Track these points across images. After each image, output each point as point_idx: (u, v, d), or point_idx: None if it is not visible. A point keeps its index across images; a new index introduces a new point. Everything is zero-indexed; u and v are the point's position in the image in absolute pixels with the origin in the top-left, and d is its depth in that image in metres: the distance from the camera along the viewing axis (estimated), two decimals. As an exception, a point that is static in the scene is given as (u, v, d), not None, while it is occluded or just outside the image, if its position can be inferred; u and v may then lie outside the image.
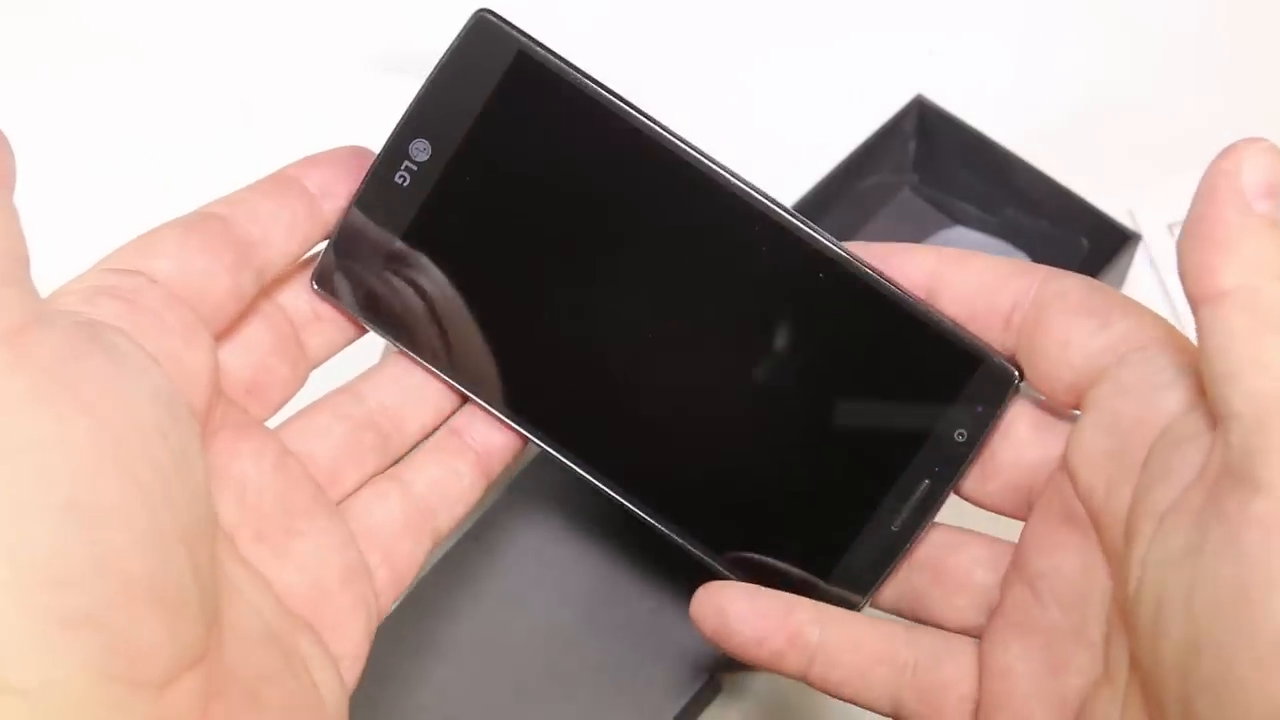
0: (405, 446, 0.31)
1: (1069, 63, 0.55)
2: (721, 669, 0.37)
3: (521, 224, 0.29)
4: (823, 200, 0.46)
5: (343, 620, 0.28)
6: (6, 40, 0.58)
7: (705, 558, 0.29)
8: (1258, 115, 0.53)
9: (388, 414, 0.31)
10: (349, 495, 0.30)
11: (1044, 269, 0.28)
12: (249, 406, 0.29)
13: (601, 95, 0.28)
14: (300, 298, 0.30)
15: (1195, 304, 0.24)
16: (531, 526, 0.38)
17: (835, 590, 0.29)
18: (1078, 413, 0.28)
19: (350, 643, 0.28)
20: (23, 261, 0.21)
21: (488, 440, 0.31)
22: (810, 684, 0.29)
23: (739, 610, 0.29)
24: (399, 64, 0.56)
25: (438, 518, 0.30)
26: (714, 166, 0.29)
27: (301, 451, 0.29)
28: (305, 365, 0.30)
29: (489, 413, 0.30)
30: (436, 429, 0.31)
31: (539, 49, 0.28)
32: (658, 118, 0.28)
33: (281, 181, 0.29)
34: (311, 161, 0.29)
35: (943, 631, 0.29)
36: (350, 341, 0.31)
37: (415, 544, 0.30)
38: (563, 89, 0.28)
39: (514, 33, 0.28)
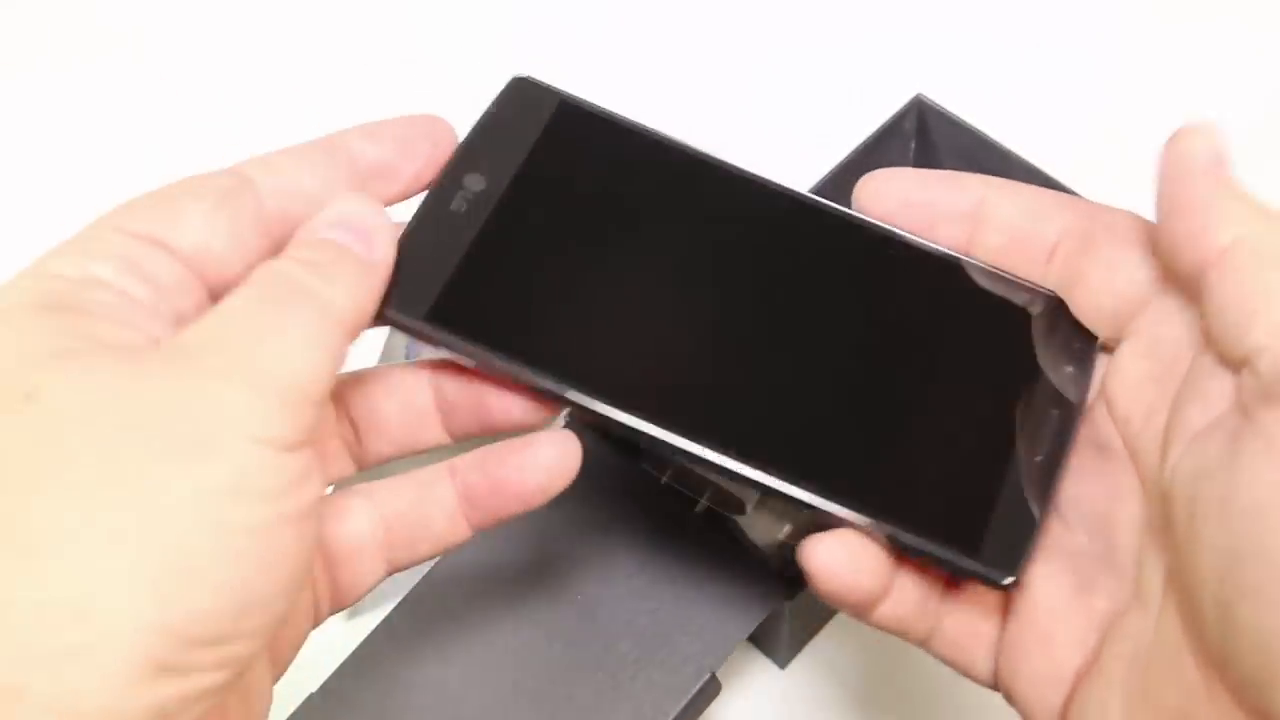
0: (371, 463, 0.30)
1: (1069, 62, 0.55)
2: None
3: (588, 232, 0.30)
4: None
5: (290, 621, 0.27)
6: (6, 36, 0.58)
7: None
8: (1258, 115, 0.53)
9: (363, 428, 0.30)
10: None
11: (1092, 203, 0.29)
12: None
13: (636, 125, 0.32)
14: None
15: (1197, 271, 0.25)
16: (531, 526, 0.38)
17: (985, 569, 0.27)
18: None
19: (287, 647, 0.28)
20: (306, 395, 0.23)
21: (487, 494, 0.29)
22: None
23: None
24: (399, 64, 0.56)
25: (397, 552, 0.29)
26: (746, 172, 0.33)
27: None
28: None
29: (593, 410, 0.28)
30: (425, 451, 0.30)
31: (577, 99, 0.31)
32: (689, 140, 0.33)
33: (330, 151, 0.27)
34: (370, 132, 0.28)
35: None
36: None
37: (364, 571, 0.29)
38: (602, 124, 0.31)
39: (554, 89, 0.31)
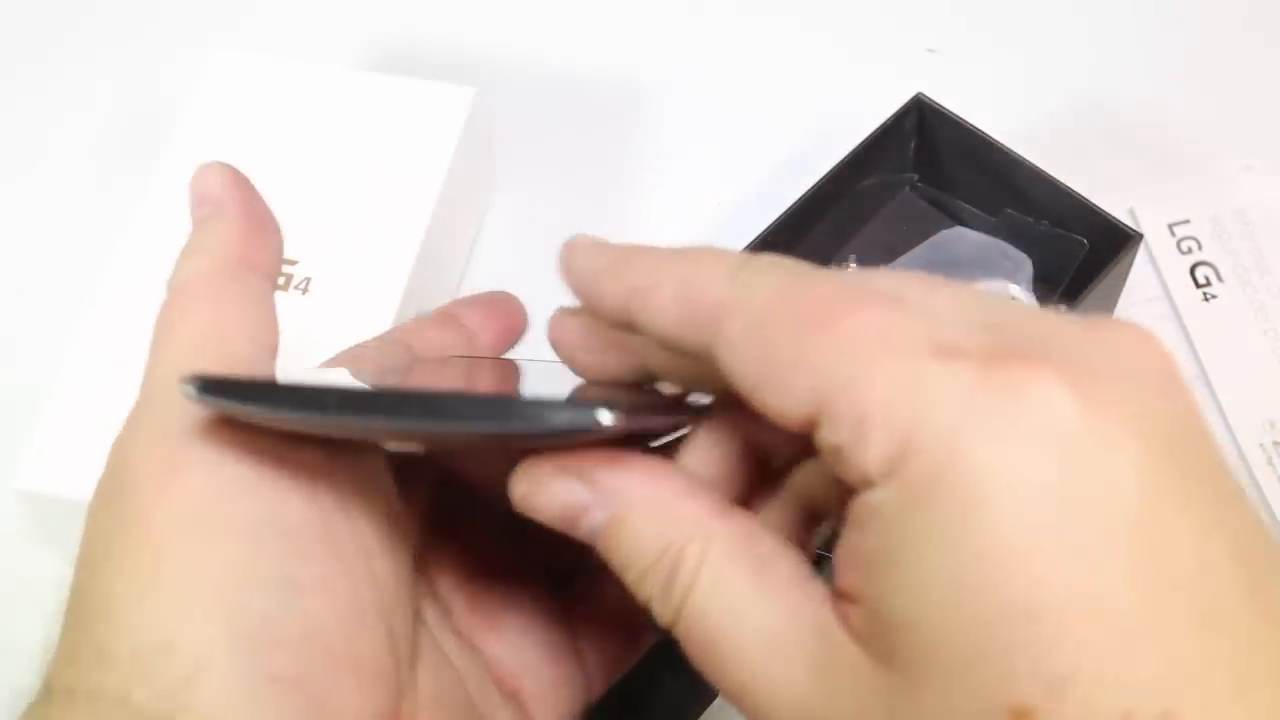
0: None
1: (1069, 62, 0.55)
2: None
3: None
4: (823, 200, 0.46)
5: (545, 695, 0.27)
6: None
7: None
8: (1258, 115, 0.53)
9: None
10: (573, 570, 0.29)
11: None
12: None
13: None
14: None
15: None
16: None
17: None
18: None
19: (554, 718, 0.27)
20: (233, 355, 0.24)
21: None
22: None
23: None
24: (399, 64, 0.56)
25: None
26: None
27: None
28: None
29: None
30: None
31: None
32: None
33: (446, 317, 0.31)
34: (467, 302, 0.32)
35: None
36: None
37: (633, 629, 0.29)
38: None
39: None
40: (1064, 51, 0.55)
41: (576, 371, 0.26)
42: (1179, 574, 0.19)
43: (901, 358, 0.19)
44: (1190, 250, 0.49)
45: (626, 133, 0.54)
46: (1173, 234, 0.50)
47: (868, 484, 0.20)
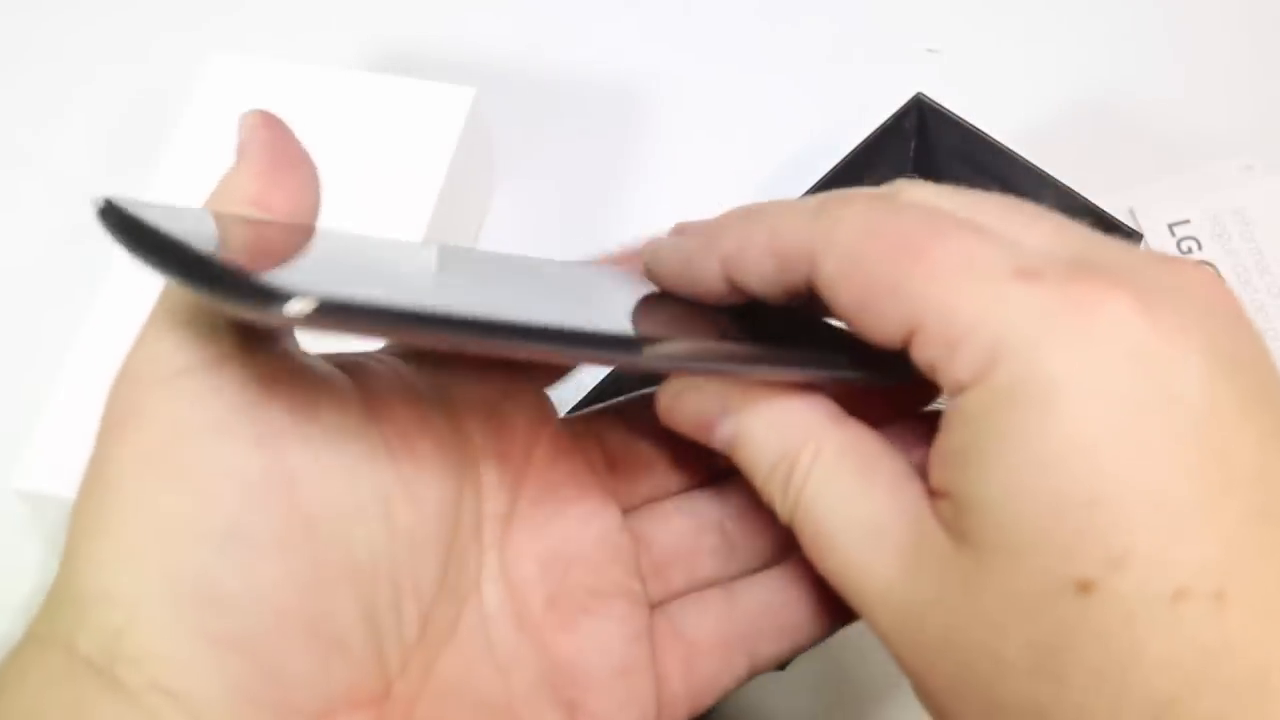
0: (753, 561, 0.29)
1: (1069, 62, 0.55)
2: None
3: None
4: (823, 200, 0.46)
5: (608, 712, 0.26)
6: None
7: None
8: (1258, 115, 0.53)
9: (742, 520, 0.29)
10: (673, 596, 0.28)
11: None
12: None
13: None
14: None
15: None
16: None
17: None
18: None
19: None
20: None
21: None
22: None
23: None
24: (399, 64, 0.56)
25: (758, 645, 0.28)
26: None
27: (636, 532, 0.28)
28: None
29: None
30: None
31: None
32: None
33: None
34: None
35: None
36: None
37: (724, 665, 0.28)
38: None
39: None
40: (1064, 51, 0.55)
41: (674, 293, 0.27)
42: (1237, 474, 0.20)
43: (986, 281, 0.21)
44: (1190, 250, 0.49)
45: (626, 133, 0.54)
46: (1173, 234, 0.50)
47: (959, 391, 0.22)
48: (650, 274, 0.27)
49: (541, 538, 0.27)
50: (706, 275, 0.25)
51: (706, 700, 0.28)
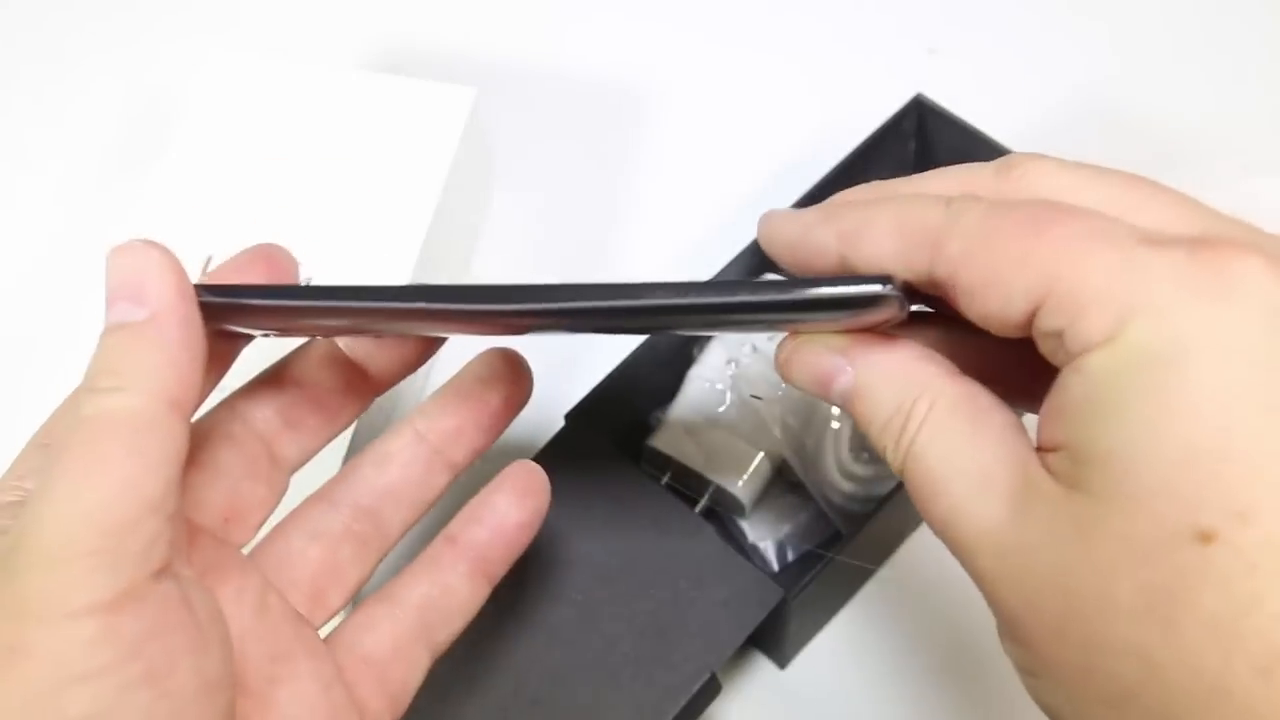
0: (388, 547, 0.31)
1: (1069, 62, 0.55)
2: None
3: None
4: (822, 200, 0.46)
5: None
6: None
7: None
8: (1258, 115, 0.53)
9: (365, 517, 0.31)
10: (335, 616, 0.30)
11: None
12: (230, 534, 0.29)
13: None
14: (267, 410, 0.30)
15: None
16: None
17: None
18: None
19: None
20: (131, 530, 0.23)
21: (488, 543, 0.31)
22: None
23: None
24: (399, 64, 0.56)
25: (435, 633, 0.31)
26: None
27: (279, 581, 0.29)
28: (282, 478, 0.30)
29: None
30: (420, 522, 0.32)
31: None
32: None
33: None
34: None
35: None
36: (324, 444, 0.31)
37: (410, 666, 0.30)
38: None
39: None
40: (1064, 51, 0.55)
41: (784, 266, 0.28)
42: None
43: (1113, 248, 0.22)
44: (1190, 250, 0.49)
45: (626, 133, 0.54)
46: (1173, 234, 0.50)
47: (1084, 353, 0.22)
48: (764, 240, 0.28)
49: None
50: (821, 245, 0.26)
51: (405, 701, 0.30)
